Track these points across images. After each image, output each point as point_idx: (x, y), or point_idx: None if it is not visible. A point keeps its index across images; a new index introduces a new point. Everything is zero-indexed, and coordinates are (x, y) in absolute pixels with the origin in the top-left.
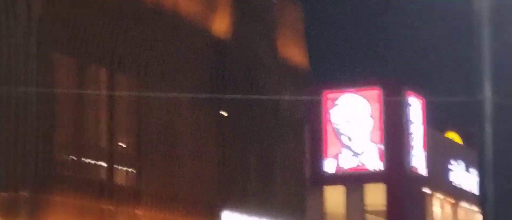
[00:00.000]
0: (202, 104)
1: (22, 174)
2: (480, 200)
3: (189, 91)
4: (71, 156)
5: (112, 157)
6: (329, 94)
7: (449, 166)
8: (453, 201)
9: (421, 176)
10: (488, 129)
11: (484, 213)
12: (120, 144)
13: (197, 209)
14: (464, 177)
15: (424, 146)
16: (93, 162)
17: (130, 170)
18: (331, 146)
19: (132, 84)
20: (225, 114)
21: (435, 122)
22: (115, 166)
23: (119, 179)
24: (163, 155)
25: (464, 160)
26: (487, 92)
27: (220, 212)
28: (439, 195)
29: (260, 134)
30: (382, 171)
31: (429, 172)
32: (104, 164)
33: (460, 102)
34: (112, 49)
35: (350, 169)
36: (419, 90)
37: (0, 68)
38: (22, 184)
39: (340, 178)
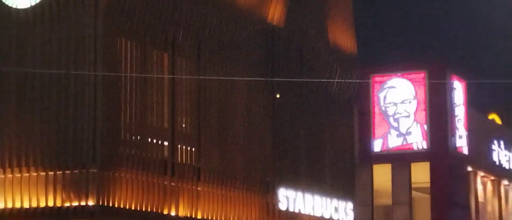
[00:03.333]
0: (256, 87)
1: (91, 153)
2: None
3: (245, 75)
4: (136, 136)
5: (174, 136)
6: (376, 78)
7: (491, 146)
8: (494, 178)
9: (463, 155)
10: None
11: None
12: (181, 124)
13: (253, 186)
14: (505, 156)
15: (466, 127)
16: (156, 141)
17: (190, 148)
18: (378, 126)
19: (191, 68)
20: (278, 95)
21: (478, 104)
22: (177, 145)
23: (181, 158)
24: (220, 135)
25: (505, 140)
26: None
27: (274, 189)
28: (481, 173)
29: (311, 115)
30: (427, 150)
31: (471, 151)
32: (167, 143)
33: (501, 84)
34: (173, 34)
35: (397, 148)
36: (463, 73)
37: (69, 54)
38: (91, 161)
39: (387, 156)
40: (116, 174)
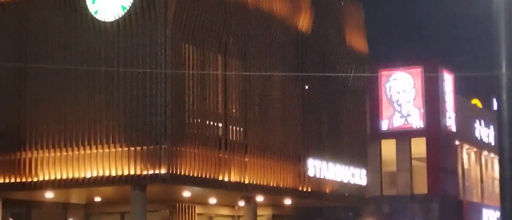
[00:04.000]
0: (289, 80)
1: (163, 132)
2: (498, 149)
3: (280, 71)
4: (197, 119)
5: (226, 119)
6: (384, 72)
7: (474, 124)
8: (476, 150)
9: (452, 132)
10: (504, 96)
11: (500, 158)
12: (232, 110)
13: (287, 157)
14: (485, 132)
15: (454, 109)
16: (213, 123)
17: (239, 128)
18: (385, 110)
19: (239, 66)
20: (307, 87)
21: (463, 91)
22: (229, 126)
23: (232, 135)
24: (262, 118)
25: (485, 119)
26: (503, 68)
27: (304, 159)
28: (466, 146)
29: (332, 102)
30: (423, 128)
31: (458, 129)
32: (221, 125)
33: (482, 76)
34: (225, 40)
35: (400, 127)
36: (451, 67)
37: (145, 56)
38: (163, 139)
39: (392, 133)
40: (182, 149)
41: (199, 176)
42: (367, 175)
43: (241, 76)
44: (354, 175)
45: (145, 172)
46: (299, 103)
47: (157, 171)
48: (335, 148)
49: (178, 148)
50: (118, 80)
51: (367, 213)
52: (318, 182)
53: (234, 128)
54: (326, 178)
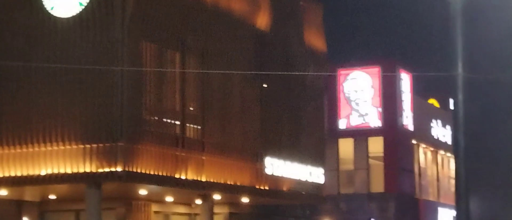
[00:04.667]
0: (248, 79)
1: (119, 130)
2: (453, 148)
3: (239, 69)
4: (154, 117)
5: (184, 117)
6: (342, 71)
7: (431, 124)
8: (433, 149)
9: (409, 131)
10: (460, 96)
11: (456, 158)
12: (189, 108)
13: (245, 155)
14: (441, 131)
15: (411, 109)
16: (170, 121)
17: (196, 126)
18: (343, 109)
19: (197, 64)
20: (265, 85)
21: (420, 91)
22: (186, 124)
23: (189, 133)
24: (220, 116)
25: (441, 119)
26: (459, 69)
27: (262, 157)
28: (423, 145)
29: (290, 101)
30: (381, 127)
31: (415, 128)
32: (178, 122)
33: (439, 76)
34: (183, 38)
35: (357, 126)
36: (409, 67)
37: (103, 53)
38: (119, 136)
39: (350, 132)
40: (139, 146)
41: (156, 174)
42: (324, 173)
43: (199, 74)
44: (312, 174)
45: (100, 170)
46: (258, 102)
47: (113, 169)
48: (293, 146)
49: (135, 146)
50: (74, 77)
51: (324, 211)
52: (276, 180)
53: (191, 125)
54: (284, 176)
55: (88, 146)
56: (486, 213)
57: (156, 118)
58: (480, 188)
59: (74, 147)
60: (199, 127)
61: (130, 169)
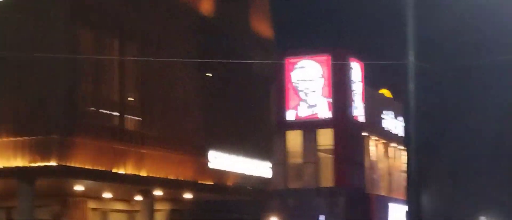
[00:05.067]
0: (191, 67)
1: (54, 122)
2: (405, 141)
3: (181, 57)
4: (91, 108)
5: (122, 108)
6: (290, 60)
7: (382, 115)
8: (384, 141)
9: (360, 123)
10: (411, 86)
11: (407, 150)
12: (129, 98)
13: (188, 148)
14: (393, 123)
15: (362, 100)
16: (108, 112)
17: (136, 118)
18: (291, 99)
19: (136, 51)
20: (210, 74)
21: (372, 81)
22: (125, 115)
23: (128, 125)
24: (162, 107)
25: (393, 110)
26: (411, 57)
27: (205, 151)
28: (374, 137)
29: (236, 90)
30: (331, 118)
31: (366, 119)
32: (117, 114)
33: (390, 65)
34: (122, 23)
35: (306, 117)
36: (359, 56)
37: (38, 40)
38: (54, 129)
39: (298, 124)
40: (74, 139)
41: (93, 168)
42: (271, 167)
43: (139, 62)
44: (258, 167)
45: (33, 164)
46: (201, 92)
47: (46, 163)
48: (239, 139)
49: (70, 139)
50: (7, 64)
51: (271, 207)
52: (220, 175)
53: (131, 117)
54: (229, 170)
55: (20, 138)
56: (438, 208)
57: (93, 109)
58: (432, 182)
59: (5, 139)
60: (139, 119)
61: (65, 164)
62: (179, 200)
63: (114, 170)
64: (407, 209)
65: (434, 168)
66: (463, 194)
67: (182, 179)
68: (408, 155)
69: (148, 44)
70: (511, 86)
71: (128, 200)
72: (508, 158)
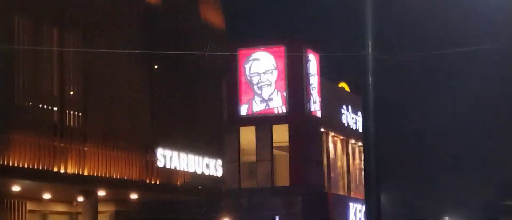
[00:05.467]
0: (137, 60)
1: None
2: (363, 136)
3: (126, 48)
4: (29, 102)
5: (63, 102)
6: (243, 51)
7: (341, 110)
8: (343, 138)
9: (317, 118)
10: (369, 79)
11: (366, 147)
12: (70, 92)
13: (133, 146)
14: (352, 118)
15: (319, 93)
16: (47, 107)
17: (77, 113)
18: (244, 94)
19: (77, 41)
20: (156, 66)
21: (329, 74)
22: (65, 110)
23: (69, 121)
24: (105, 102)
25: (352, 105)
26: (369, 49)
27: (153, 148)
28: (332, 133)
29: (185, 84)
30: (286, 113)
31: (324, 114)
32: (56, 109)
33: (348, 57)
34: (62, 12)
35: (260, 112)
36: (316, 47)
37: None
38: None
39: (252, 119)
40: (10, 136)
41: (30, 167)
42: (223, 165)
43: (80, 53)
44: (209, 166)
45: None
46: (148, 85)
47: None
48: (188, 135)
49: (6, 136)
50: None
51: (223, 208)
52: (168, 174)
53: (71, 112)
54: (177, 169)
55: None
56: (400, 207)
57: (31, 104)
58: (391, 180)
59: None
60: (81, 114)
61: (1, 162)
62: (124, 201)
63: (54, 169)
64: (365, 209)
65: (395, 166)
66: (426, 193)
67: (128, 179)
68: (366, 152)
69: (91, 34)
70: (474, 78)
71: (70, 201)
72: (473, 154)
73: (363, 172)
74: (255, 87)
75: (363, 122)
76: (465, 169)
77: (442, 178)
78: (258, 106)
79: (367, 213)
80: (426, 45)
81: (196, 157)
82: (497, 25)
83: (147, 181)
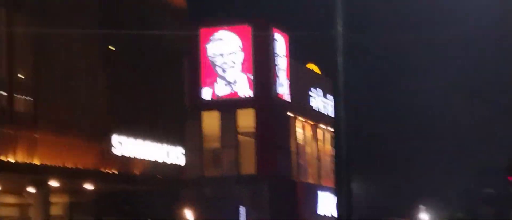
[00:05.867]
0: (93, 41)
1: None
2: (334, 121)
3: (81, 28)
4: None
5: (11, 86)
6: (205, 31)
7: (310, 93)
8: (313, 123)
9: (285, 102)
10: (339, 59)
11: (336, 132)
12: (19, 75)
13: (89, 133)
14: (322, 102)
15: (287, 76)
16: None
17: (28, 98)
18: (207, 76)
19: (29, 21)
20: (113, 48)
21: (298, 55)
22: (14, 94)
23: (19, 106)
24: (58, 85)
25: (322, 87)
26: (339, 28)
27: (109, 136)
28: (301, 118)
29: (144, 66)
30: (252, 97)
31: (292, 98)
32: (4, 93)
33: (318, 37)
34: None
35: (224, 96)
36: (284, 27)
37: None
38: None
39: (215, 104)
40: None
41: None
42: (185, 153)
43: (31, 34)
44: (170, 154)
45: None
46: (104, 68)
47: None
48: (147, 121)
49: None
50: None
51: (185, 198)
52: (126, 163)
53: (21, 97)
54: (136, 157)
55: None
56: (370, 195)
57: None
58: (363, 167)
59: None
60: (31, 99)
61: None
62: (78, 192)
63: (2, 158)
64: (336, 198)
65: (368, 153)
66: (401, 180)
67: (82, 168)
68: (337, 137)
69: (42, 13)
70: (450, 62)
71: (19, 192)
72: (448, 140)
73: (333, 159)
74: (219, 69)
75: (334, 106)
76: (443, 155)
77: (418, 165)
78: (222, 90)
79: (338, 203)
80: (399, 26)
81: (156, 144)
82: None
83: (104, 171)
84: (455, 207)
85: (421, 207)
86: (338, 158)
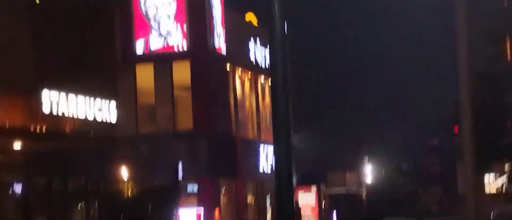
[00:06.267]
0: None
1: None
2: (271, 73)
3: None
4: None
5: None
6: None
7: (248, 44)
8: (252, 76)
9: (222, 55)
10: (276, 8)
11: (273, 84)
12: None
13: (14, 89)
14: (261, 54)
15: (223, 26)
16: None
17: None
18: (140, 28)
19: None
20: (37, 1)
21: (234, 4)
22: None
23: None
24: None
25: (261, 38)
26: None
27: (38, 92)
28: (239, 71)
29: (73, 18)
30: (187, 50)
31: (229, 50)
32: None
33: None
34: None
35: (158, 49)
36: None
37: None
38: None
39: (149, 57)
40: None
41: None
42: (118, 109)
43: None
44: (102, 110)
45: None
46: (29, 20)
47: None
48: (77, 76)
49: None
50: None
51: (119, 156)
52: (56, 120)
53: None
54: (66, 114)
55: None
56: (310, 149)
57: None
58: (306, 120)
59: None
60: None
61: None
62: (6, 152)
63: None
64: (274, 152)
65: (310, 105)
66: (345, 133)
67: (8, 127)
68: (274, 89)
69: None
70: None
71: None
72: (392, 90)
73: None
74: (152, 21)
75: (270, 55)
76: (387, 105)
77: (362, 116)
78: (156, 43)
79: (276, 157)
80: None
81: (87, 98)
82: None
83: (32, 129)
84: (400, 159)
85: (366, 159)
86: (275, 110)
